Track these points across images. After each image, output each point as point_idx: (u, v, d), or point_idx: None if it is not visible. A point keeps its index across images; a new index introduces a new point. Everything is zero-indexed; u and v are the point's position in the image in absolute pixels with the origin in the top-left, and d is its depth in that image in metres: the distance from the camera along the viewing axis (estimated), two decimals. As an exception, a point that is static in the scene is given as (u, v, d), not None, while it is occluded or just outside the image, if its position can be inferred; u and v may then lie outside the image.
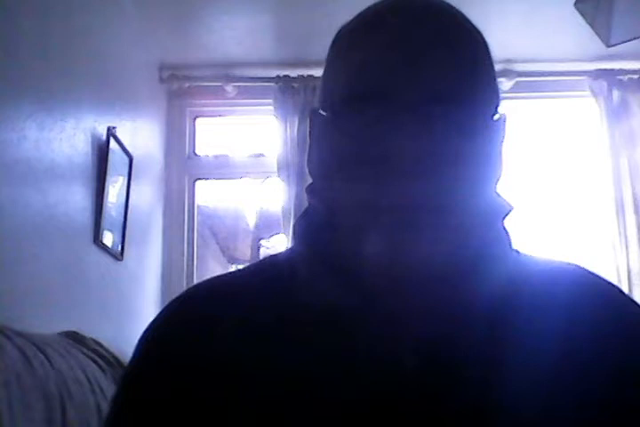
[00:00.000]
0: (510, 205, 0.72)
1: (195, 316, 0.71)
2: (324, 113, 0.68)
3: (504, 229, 0.72)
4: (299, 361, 0.65)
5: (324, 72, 0.71)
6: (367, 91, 0.64)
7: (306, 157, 0.72)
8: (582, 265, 0.74)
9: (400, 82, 0.63)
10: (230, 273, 0.79)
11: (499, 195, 0.71)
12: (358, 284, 0.66)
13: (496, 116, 0.68)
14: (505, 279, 0.68)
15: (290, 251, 0.74)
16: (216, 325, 0.69)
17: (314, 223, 0.72)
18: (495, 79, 0.70)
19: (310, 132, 0.72)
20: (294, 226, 0.74)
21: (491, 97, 0.67)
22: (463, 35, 0.67)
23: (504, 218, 0.72)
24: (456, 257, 0.65)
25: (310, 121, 0.72)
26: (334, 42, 0.70)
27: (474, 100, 0.64)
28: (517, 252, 0.74)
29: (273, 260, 0.76)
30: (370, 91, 0.63)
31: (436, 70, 0.63)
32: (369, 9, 0.69)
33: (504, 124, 0.71)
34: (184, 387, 0.67)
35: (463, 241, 0.66)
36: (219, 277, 0.77)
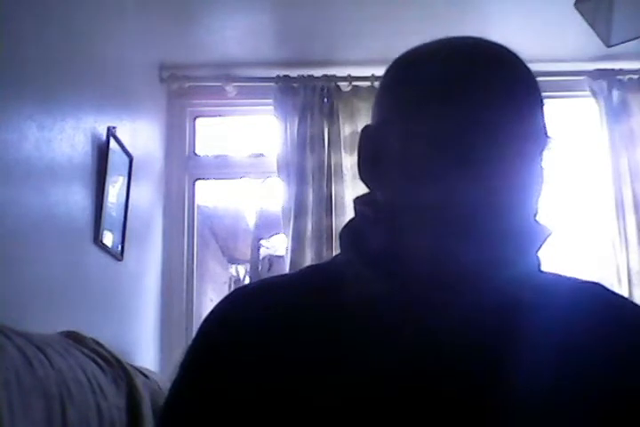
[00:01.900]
0: (550, 230, 0.76)
1: (254, 312, 0.76)
2: (397, 123, 0.73)
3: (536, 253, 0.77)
4: (340, 354, 0.70)
5: (388, 90, 0.77)
6: (455, 130, 0.69)
7: (364, 171, 0.78)
8: (603, 284, 0.80)
9: (472, 96, 0.69)
10: (277, 276, 0.86)
11: (538, 221, 0.76)
12: (401, 280, 0.71)
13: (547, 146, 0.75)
14: (521, 286, 0.72)
15: (335, 258, 0.82)
16: (263, 326, 0.74)
17: (362, 229, 0.78)
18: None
19: (372, 143, 0.76)
20: (340, 235, 0.80)
21: (544, 125, 0.75)
22: (520, 63, 0.76)
23: (544, 241, 0.76)
24: (494, 261, 0.69)
25: (373, 133, 0.77)
26: (400, 68, 0.77)
27: (536, 118, 0.74)
28: (557, 274, 0.81)
29: (319, 266, 0.84)
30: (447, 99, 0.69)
31: (505, 87, 0.71)
32: (436, 48, 0.75)
33: None
34: (246, 376, 0.72)
35: (505, 248, 0.69)
36: (273, 277, 0.85)
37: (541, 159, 0.74)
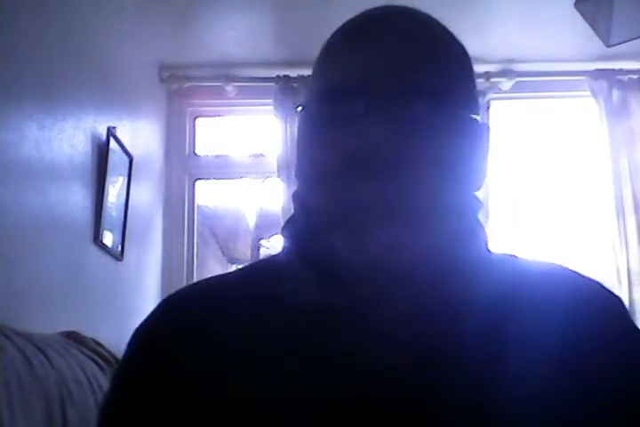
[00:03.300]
0: (480, 202, 0.72)
1: (185, 317, 0.71)
2: (302, 111, 0.70)
3: (482, 228, 0.72)
4: (282, 361, 0.66)
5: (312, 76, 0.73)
6: (343, 86, 0.65)
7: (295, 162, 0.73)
8: (566, 266, 0.74)
9: (376, 78, 0.64)
10: (222, 275, 0.80)
11: (476, 197, 0.72)
12: (339, 284, 0.66)
13: (474, 121, 0.69)
14: (491, 281, 0.68)
15: (280, 253, 0.76)
16: (205, 326, 0.70)
17: (295, 226, 0.73)
18: (474, 88, 0.71)
19: (297, 137, 0.73)
20: (282, 229, 0.75)
21: (468, 101, 0.68)
22: (440, 41, 0.70)
23: (475, 215, 0.72)
24: (432, 257, 0.65)
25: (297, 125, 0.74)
26: (321, 51, 0.72)
27: (450, 99, 0.66)
28: (512, 256, 0.74)
29: (267, 261, 0.78)
30: (346, 87, 0.65)
31: (412, 67, 0.65)
32: (353, 18, 0.72)
33: (487, 134, 0.71)
34: (174, 387, 0.67)
35: (439, 241, 0.66)
36: (210, 278, 0.78)
37: (466, 134, 0.67)
